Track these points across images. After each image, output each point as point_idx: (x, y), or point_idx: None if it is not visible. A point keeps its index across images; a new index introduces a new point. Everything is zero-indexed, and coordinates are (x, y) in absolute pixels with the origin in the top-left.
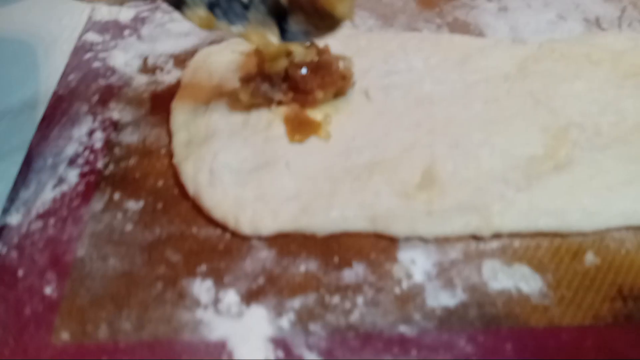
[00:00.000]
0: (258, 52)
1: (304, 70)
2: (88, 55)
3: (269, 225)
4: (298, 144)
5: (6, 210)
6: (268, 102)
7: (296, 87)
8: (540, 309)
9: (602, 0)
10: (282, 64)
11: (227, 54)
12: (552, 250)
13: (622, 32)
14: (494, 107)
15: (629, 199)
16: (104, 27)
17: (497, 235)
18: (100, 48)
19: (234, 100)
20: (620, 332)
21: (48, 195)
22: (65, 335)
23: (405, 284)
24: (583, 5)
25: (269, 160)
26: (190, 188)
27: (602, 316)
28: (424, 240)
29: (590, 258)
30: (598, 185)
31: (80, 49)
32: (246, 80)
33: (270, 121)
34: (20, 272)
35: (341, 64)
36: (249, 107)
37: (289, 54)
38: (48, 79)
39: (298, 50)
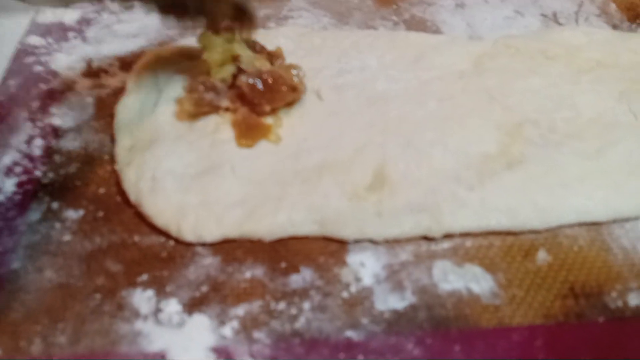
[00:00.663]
0: (203, 61)
1: (251, 81)
2: (30, 59)
3: (213, 231)
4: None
5: None
6: (214, 109)
7: (243, 98)
8: (491, 309)
9: None
10: (229, 70)
11: (174, 55)
12: (504, 249)
13: (578, 27)
14: (449, 105)
15: (582, 195)
16: (47, 30)
17: (448, 236)
18: (43, 51)
19: (179, 110)
20: (571, 330)
21: None
22: None
23: (353, 288)
24: (540, 0)
25: (214, 165)
26: (132, 195)
27: (554, 315)
28: (374, 242)
29: (542, 256)
30: (551, 182)
31: (22, 52)
32: (190, 89)
33: (218, 124)
34: None
35: (293, 74)
36: (195, 116)
37: (235, 58)
38: None
39: (246, 54)
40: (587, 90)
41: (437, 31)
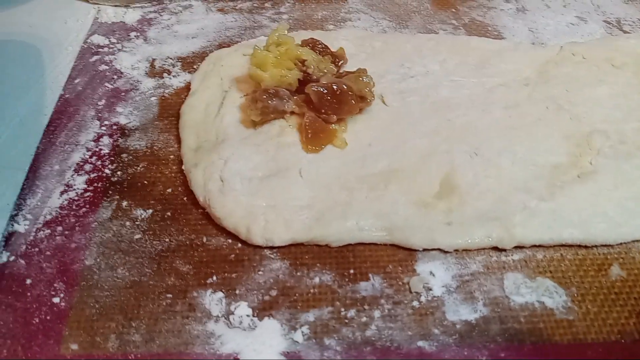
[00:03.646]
0: (253, 76)
1: (321, 90)
2: (94, 58)
3: (282, 235)
4: None
5: (13, 218)
6: (280, 114)
7: (310, 103)
8: (565, 324)
9: (622, 1)
10: (295, 75)
11: (238, 56)
12: (576, 262)
13: None
14: (515, 113)
15: None
16: (109, 29)
17: (519, 247)
18: (107, 51)
19: (244, 118)
20: None
21: (55, 202)
22: (74, 346)
23: (423, 297)
24: (604, 6)
25: (281, 168)
26: (200, 196)
27: (629, 332)
28: (443, 251)
29: (615, 271)
30: (623, 195)
31: (86, 51)
32: (253, 99)
33: (283, 127)
34: (29, 281)
35: (363, 82)
36: (262, 123)
37: (302, 62)
38: (54, 83)
39: (311, 58)
40: None
41: (498, 36)
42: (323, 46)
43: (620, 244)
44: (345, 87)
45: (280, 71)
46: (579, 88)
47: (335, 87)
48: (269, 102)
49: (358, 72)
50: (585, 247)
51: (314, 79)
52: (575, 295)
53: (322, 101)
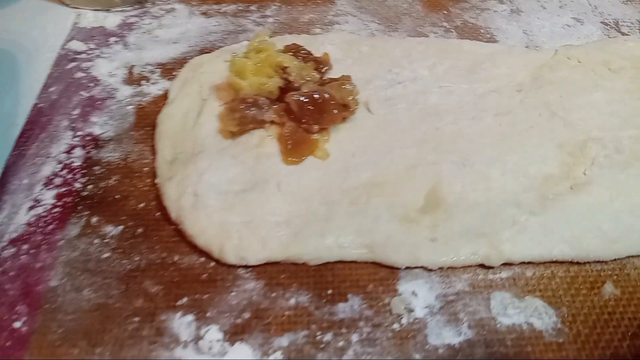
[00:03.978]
0: (231, 84)
1: (301, 99)
2: (71, 65)
3: (257, 254)
4: None
5: None
6: (259, 124)
7: (291, 113)
8: (554, 346)
9: (620, 2)
10: (275, 82)
11: (219, 63)
12: (567, 280)
13: None
14: (506, 120)
15: None
16: (89, 35)
17: (507, 264)
18: (84, 57)
19: (222, 128)
20: None
21: (22, 218)
22: None
23: (405, 319)
24: (601, 7)
25: (259, 181)
26: (173, 212)
27: (622, 354)
28: (427, 269)
29: (609, 289)
30: (619, 207)
31: (63, 57)
32: (230, 109)
33: (263, 137)
34: None
35: (346, 89)
36: (241, 133)
37: (284, 69)
38: (29, 91)
39: (293, 65)
40: None
41: (491, 39)
42: (306, 52)
43: (615, 260)
44: (327, 96)
45: (260, 79)
46: (574, 94)
47: (316, 95)
48: (247, 111)
49: (341, 80)
50: (578, 263)
51: (296, 86)
52: (566, 315)
53: (302, 110)
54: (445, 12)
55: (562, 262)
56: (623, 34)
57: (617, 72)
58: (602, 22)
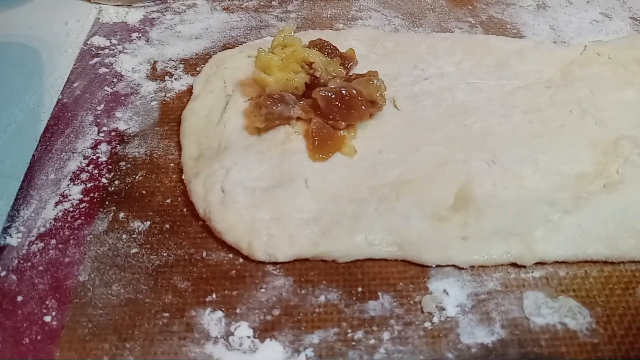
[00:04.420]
0: (257, 80)
1: (329, 95)
2: (94, 60)
3: (286, 251)
4: None
5: (6, 230)
6: (286, 121)
7: (318, 109)
8: (589, 347)
9: None
10: (302, 78)
11: (242, 58)
12: (601, 280)
13: None
14: (536, 118)
15: None
16: (111, 30)
17: (540, 263)
18: (107, 52)
19: (248, 125)
20: None
21: (50, 213)
22: None
23: (436, 318)
24: (630, 2)
25: (286, 178)
26: (201, 208)
27: None
28: (458, 268)
29: None
30: None
31: (86, 53)
32: (257, 105)
33: (289, 134)
34: (20, 298)
35: (374, 86)
36: (267, 129)
37: (310, 64)
38: (52, 87)
39: (319, 60)
40: None
41: (517, 35)
42: (332, 47)
43: None
44: (354, 92)
45: (286, 75)
46: (605, 91)
47: (344, 91)
48: (274, 107)
49: (368, 75)
50: (612, 263)
51: (322, 82)
52: (601, 316)
53: (330, 106)
54: (470, 7)
55: (595, 262)
56: None
57: None
58: (631, 18)
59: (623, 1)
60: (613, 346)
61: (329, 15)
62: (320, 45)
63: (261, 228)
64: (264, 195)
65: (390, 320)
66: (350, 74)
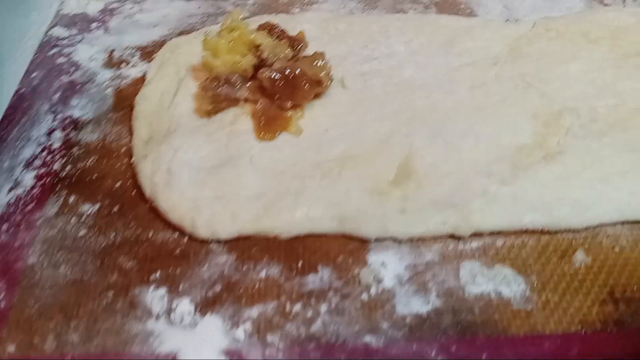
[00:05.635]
0: (205, 64)
1: (273, 75)
2: (53, 50)
3: (228, 227)
4: None
5: None
6: (233, 102)
7: (264, 90)
8: (522, 314)
9: None
10: (249, 61)
11: (196, 44)
12: (538, 249)
13: (625, 7)
14: (481, 92)
15: (625, 191)
16: (71, 21)
17: (477, 234)
18: (66, 43)
19: (197, 107)
20: (609, 339)
21: (3, 199)
22: (11, 348)
23: (373, 290)
24: None
25: (232, 157)
26: (147, 189)
27: (590, 322)
28: (397, 241)
29: (580, 257)
30: (591, 176)
31: (46, 44)
32: (204, 87)
33: (237, 115)
34: None
35: (318, 65)
36: (214, 112)
37: (257, 47)
38: (12, 77)
39: (266, 42)
40: (633, 75)
41: (471, 14)
42: (280, 30)
43: (587, 228)
44: (298, 72)
45: (234, 57)
46: (551, 65)
47: (288, 71)
48: (220, 90)
49: (314, 56)
50: (549, 232)
51: (270, 64)
52: (535, 284)
53: (274, 87)
54: None
55: (533, 232)
56: (606, 4)
57: (596, 42)
58: None
59: None
60: (546, 312)
61: (285, 1)
62: (269, 28)
63: (204, 206)
64: (209, 174)
65: (329, 293)
66: (299, 55)
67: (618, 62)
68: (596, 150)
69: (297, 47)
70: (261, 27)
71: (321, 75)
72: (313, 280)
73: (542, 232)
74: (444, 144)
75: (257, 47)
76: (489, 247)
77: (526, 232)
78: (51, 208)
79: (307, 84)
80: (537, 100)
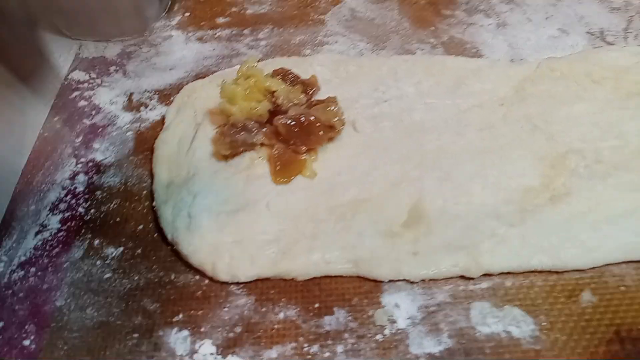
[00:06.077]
0: (223, 111)
1: (288, 122)
2: (74, 94)
3: (247, 271)
4: None
5: None
6: (250, 147)
7: (280, 137)
8: (531, 354)
9: (607, 11)
10: (264, 106)
11: (212, 87)
12: (546, 289)
13: (628, 45)
14: (488, 134)
15: (630, 232)
16: (90, 64)
17: (487, 275)
18: (86, 86)
19: (215, 151)
20: None
21: (30, 243)
22: None
23: (387, 331)
24: (587, 17)
25: (249, 201)
26: (169, 233)
27: None
28: (409, 282)
29: (586, 297)
30: (597, 217)
31: (67, 88)
32: (221, 133)
33: (253, 159)
34: (1, 324)
35: (331, 110)
36: (233, 156)
37: (272, 93)
38: (34, 122)
39: (281, 88)
40: (635, 116)
41: (477, 54)
42: (294, 75)
43: (593, 268)
44: (312, 119)
45: (250, 104)
46: (556, 106)
47: (302, 118)
48: (237, 136)
49: (327, 101)
50: (556, 272)
51: (284, 109)
52: (544, 323)
53: (290, 133)
54: (433, 28)
55: (541, 272)
56: (608, 43)
57: (599, 82)
58: (587, 32)
59: (581, 16)
60: (555, 352)
61: (297, 42)
62: (283, 74)
63: (224, 250)
64: (228, 219)
65: (345, 334)
66: (312, 100)
67: (621, 103)
68: (601, 192)
69: (310, 91)
70: (275, 73)
71: (334, 120)
72: (329, 322)
73: (549, 272)
74: (454, 186)
75: (272, 93)
76: (498, 288)
77: (534, 272)
78: (77, 251)
79: (321, 130)
80: (544, 142)
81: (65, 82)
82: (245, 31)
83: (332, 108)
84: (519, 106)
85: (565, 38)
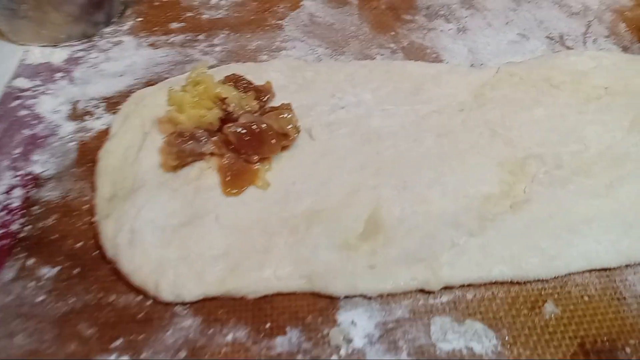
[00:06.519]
0: (171, 119)
1: (238, 130)
2: (15, 102)
3: (193, 289)
4: None
5: None
6: (199, 157)
7: (230, 145)
8: None
9: (566, 15)
10: (215, 114)
11: (161, 95)
12: (508, 301)
13: (586, 49)
14: (447, 141)
15: (591, 239)
16: (34, 71)
17: (447, 288)
18: (29, 94)
19: (163, 162)
20: None
21: None
22: None
23: (343, 351)
24: (547, 22)
25: (197, 214)
26: (109, 250)
27: None
28: (367, 298)
29: (549, 308)
30: (557, 225)
31: (8, 96)
32: (168, 143)
33: (203, 169)
34: None
35: (284, 118)
36: (181, 167)
37: (223, 100)
38: None
39: (232, 95)
40: (595, 120)
41: (437, 59)
42: (246, 82)
43: (555, 278)
44: (264, 126)
45: (199, 111)
46: (515, 111)
47: (254, 126)
48: (184, 145)
49: (280, 108)
50: (518, 283)
51: (236, 117)
52: (507, 337)
53: (241, 142)
54: (393, 33)
55: (502, 283)
56: (568, 47)
57: (558, 87)
58: (547, 37)
59: (540, 21)
60: None
61: (254, 47)
62: (235, 80)
63: (168, 267)
64: (174, 233)
65: (298, 356)
66: (266, 107)
67: (580, 107)
68: (562, 198)
69: (264, 98)
70: (227, 79)
71: (288, 128)
72: (281, 343)
73: (511, 282)
74: (412, 195)
75: (223, 100)
76: (459, 301)
77: (496, 283)
78: (8, 272)
79: (274, 138)
80: (503, 148)
81: (7, 90)
82: (200, 37)
83: (286, 115)
84: (478, 112)
85: (525, 43)
